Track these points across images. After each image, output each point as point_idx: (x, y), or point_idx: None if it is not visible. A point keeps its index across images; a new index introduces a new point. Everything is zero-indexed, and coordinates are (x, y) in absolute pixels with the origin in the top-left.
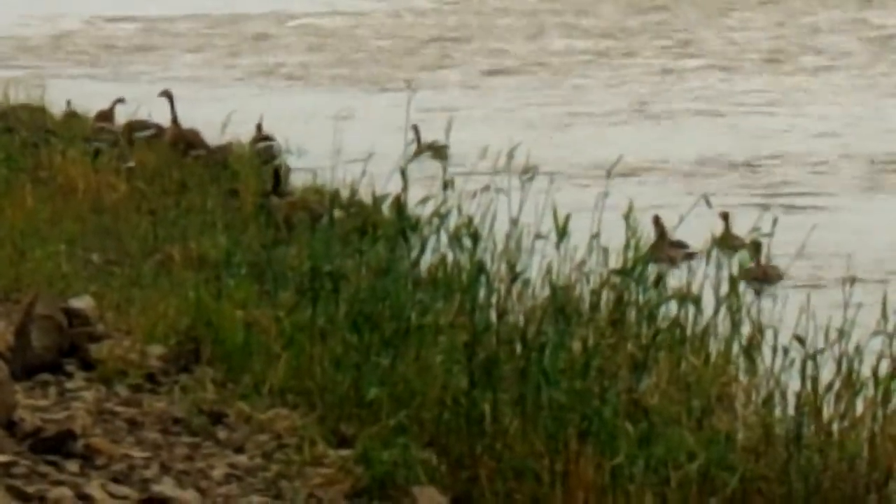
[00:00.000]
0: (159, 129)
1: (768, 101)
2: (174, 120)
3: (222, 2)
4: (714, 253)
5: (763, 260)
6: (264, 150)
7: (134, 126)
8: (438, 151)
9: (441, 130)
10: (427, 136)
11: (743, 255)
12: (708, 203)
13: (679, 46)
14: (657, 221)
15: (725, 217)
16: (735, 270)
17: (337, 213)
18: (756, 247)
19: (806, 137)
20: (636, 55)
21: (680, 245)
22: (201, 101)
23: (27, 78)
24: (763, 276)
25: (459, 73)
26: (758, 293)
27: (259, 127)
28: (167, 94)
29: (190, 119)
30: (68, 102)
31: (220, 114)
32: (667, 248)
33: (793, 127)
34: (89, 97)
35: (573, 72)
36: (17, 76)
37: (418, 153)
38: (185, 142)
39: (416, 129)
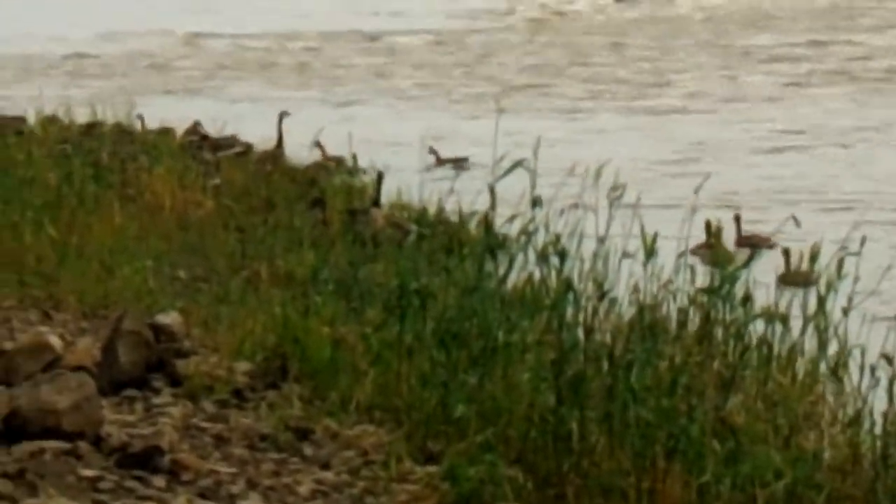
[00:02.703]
0: (245, 147)
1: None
2: (279, 140)
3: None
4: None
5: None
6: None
7: (220, 144)
8: (459, 164)
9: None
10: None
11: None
12: (797, 222)
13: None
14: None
15: (738, 219)
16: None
17: (424, 230)
18: (786, 252)
19: None
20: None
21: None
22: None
23: (114, 94)
24: (801, 281)
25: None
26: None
27: (318, 143)
28: (282, 115)
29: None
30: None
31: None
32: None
33: None
34: (175, 114)
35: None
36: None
37: (439, 165)
38: (273, 161)
39: (432, 149)
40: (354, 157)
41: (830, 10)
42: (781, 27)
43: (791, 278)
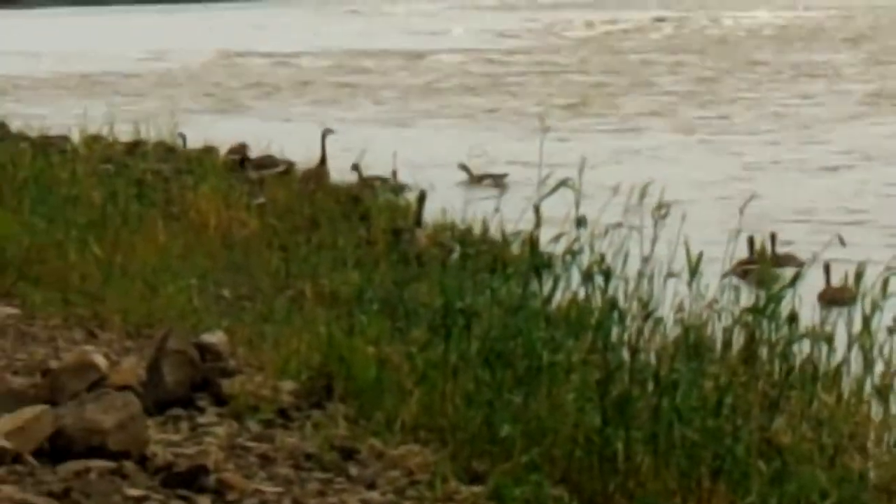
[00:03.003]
0: (287, 166)
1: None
2: (323, 158)
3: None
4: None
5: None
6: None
7: (264, 163)
8: (497, 181)
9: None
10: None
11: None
12: (842, 242)
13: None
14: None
15: (773, 238)
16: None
17: (468, 249)
18: (827, 270)
19: None
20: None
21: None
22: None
23: (158, 112)
24: (842, 299)
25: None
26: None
27: (356, 166)
28: (325, 133)
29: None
30: (182, 136)
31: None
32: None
33: None
34: (219, 132)
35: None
36: (149, 111)
37: (475, 183)
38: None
39: (464, 166)
40: (394, 175)
41: (888, 28)
42: (832, 46)
43: (831, 296)
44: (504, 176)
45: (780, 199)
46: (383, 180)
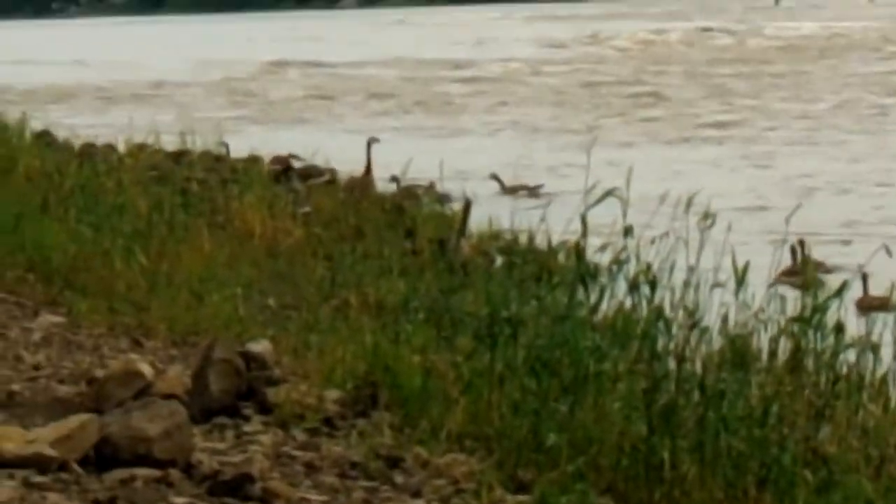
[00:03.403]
0: (331, 174)
1: None
2: (368, 167)
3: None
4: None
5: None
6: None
7: (309, 172)
8: (532, 192)
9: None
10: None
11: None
12: (889, 252)
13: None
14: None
15: (801, 244)
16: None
17: (514, 258)
18: (865, 278)
19: None
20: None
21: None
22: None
23: (203, 122)
24: (876, 306)
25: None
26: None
27: (395, 178)
28: (371, 142)
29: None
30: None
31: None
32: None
33: None
34: (263, 142)
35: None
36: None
37: (508, 193)
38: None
39: (495, 176)
40: (432, 186)
41: None
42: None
43: (868, 303)
44: (540, 186)
45: (832, 210)
46: (426, 189)
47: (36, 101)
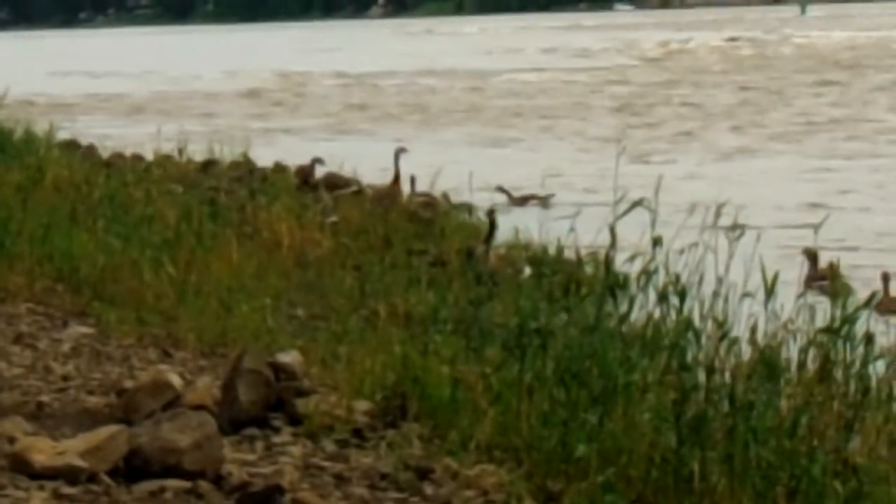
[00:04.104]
0: (357, 185)
1: None
2: (396, 177)
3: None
4: None
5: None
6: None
7: (335, 182)
8: (543, 202)
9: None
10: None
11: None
12: None
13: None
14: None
15: (815, 256)
16: None
17: (542, 269)
18: (885, 278)
19: None
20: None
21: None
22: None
23: (231, 132)
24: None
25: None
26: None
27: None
28: (399, 152)
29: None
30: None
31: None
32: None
33: None
34: (290, 152)
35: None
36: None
37: (515, 205)
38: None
39: (502, 188)
40: (446, 197)
41: None
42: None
43: (888, 306)
44: (550, 196)
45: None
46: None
47: (62, 111)
